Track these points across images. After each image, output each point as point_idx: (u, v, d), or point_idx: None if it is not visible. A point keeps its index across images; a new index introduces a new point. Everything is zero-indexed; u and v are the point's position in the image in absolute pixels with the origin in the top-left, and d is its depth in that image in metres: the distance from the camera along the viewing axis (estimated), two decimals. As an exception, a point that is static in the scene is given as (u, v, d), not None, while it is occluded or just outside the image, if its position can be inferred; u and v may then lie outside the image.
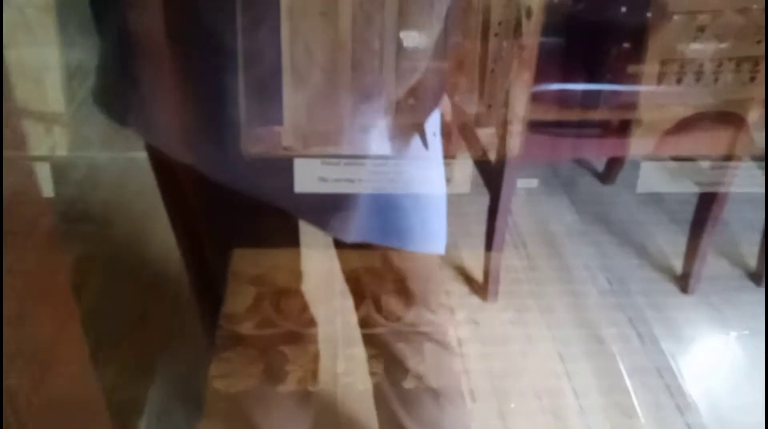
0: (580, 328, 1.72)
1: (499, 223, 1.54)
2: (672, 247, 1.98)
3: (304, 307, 0.91)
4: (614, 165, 2.25)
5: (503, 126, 0.76)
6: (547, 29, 1.32)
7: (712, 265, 1.89)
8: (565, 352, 1.65)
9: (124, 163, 2.17)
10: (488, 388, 1.55)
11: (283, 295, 0.87)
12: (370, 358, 0.96)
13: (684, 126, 1.47)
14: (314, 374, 0.95)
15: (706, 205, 1.74)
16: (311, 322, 0.92)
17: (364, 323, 0.92)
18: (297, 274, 0.88)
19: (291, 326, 0.87)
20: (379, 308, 0.90)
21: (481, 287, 1.80)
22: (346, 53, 0.73)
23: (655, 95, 1.36)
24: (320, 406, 1.37)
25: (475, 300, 1.79)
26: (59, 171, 0.78)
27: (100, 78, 0.85)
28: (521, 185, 1.32)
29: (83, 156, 2.20)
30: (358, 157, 0.77)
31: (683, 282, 1.86)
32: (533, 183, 1.14)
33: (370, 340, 0.94)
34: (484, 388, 1.54)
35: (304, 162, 0.77)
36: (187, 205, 0.88)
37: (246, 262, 0.82)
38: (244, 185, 0.79)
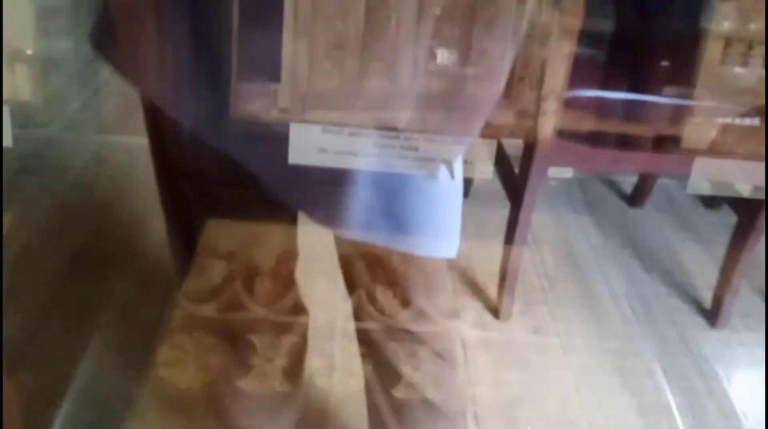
0: (599, 356, 1.58)
1: (522, 219, 1.40)
2: (702, 277, 1.85)
3: (291, 292, 0.78)
4: (644, 187, 2.12)
5: (536, 103, 0.64)
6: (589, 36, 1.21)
7: (745, 299, 1.76)
8: (582, 381, 1.52)
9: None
10: (495, 414, 1.42)
11: (261, 275, 0.74)
12: (362, 357, 0.84)
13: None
14: (291, 371, 0.82)
15: (744, 233, 1.61)
16: (298, 310, 0.79)
17: (356, 315, 0.79)
18: (287, 254, 0.76)
19: (264, 312, 0.74)
20: (372, 300, 0.78)
21: (495, 304, 1.68)
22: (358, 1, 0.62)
23: (702, 111, 1.23)
24: (312, 409, 1.25)
25: (487, 317, 1.66)
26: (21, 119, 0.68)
27: (97, 20, 0.77)
28: (553, 175, 1.20)
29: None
30: (365, 127, 0.66)
31: (713, 315, 1.72)
32: (567, 172, 1.02)
33: (361, 336, 0.82)
34: (490, 414, 1.42)
35: (301, 128, 0.66)
36: (173, 164, 0.77)
37: (220, 234, 0.70)
38: (231, 151, 0.68)
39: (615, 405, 1.47)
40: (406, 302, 0.78)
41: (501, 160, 1.67)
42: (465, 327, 1.46)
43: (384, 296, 0.77)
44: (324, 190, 0.69)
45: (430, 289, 0.83)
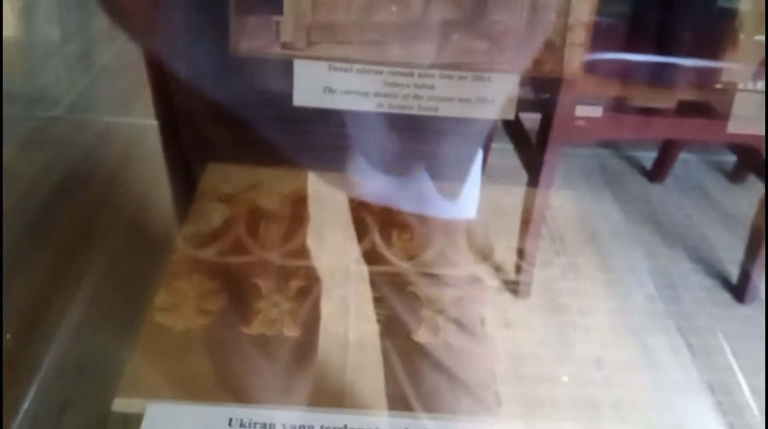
0: (623, 334, 1.52)
1: (542, 185, 1.33)
2: (728, 252, 1.78)
3: (299, 235, 0.72)
4: (665, 161, 2.05)
5: (562, 34, 0.59)
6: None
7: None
8: (605, 358, 1.46)
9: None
10: (515, 394, 1.36)
11: (267, 218, 0.69)
12: (376, 301, 0.78)
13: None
14: (301, 316, 0.76)
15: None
16: (307, 254, 0.74)
17: (367, 259, 0.74)
18: (294, 196, 0.70)
19: (272, 256, 0.69)
20: (388, 243, 0.72)
21: (513, 281, 1.62)
22: None
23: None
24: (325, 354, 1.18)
25: (506, 296, 1.60)
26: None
27: None
28: (581, 113, 1.13)
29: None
30: (377, 63, 0.60)
31: (740, 291, 1.66)
32: (597, 111, 0.96)
33: (374, 280, 0.76)
34: (510, 393, 1.36)
35: (306, 65, 0.60)
36: (173, 106, 0.71)
37: (221, 178, 0.65)
38: (232, 93, 0.62)
39: (639, 382, 1.41)
40: (422, 248, 0.72)
41: (518, 131, 1.62)
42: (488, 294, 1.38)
43: (400, 240, 0.71)
44: (330, 136, 0.64)
45: (447, 249, 0.77)
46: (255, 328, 0.72)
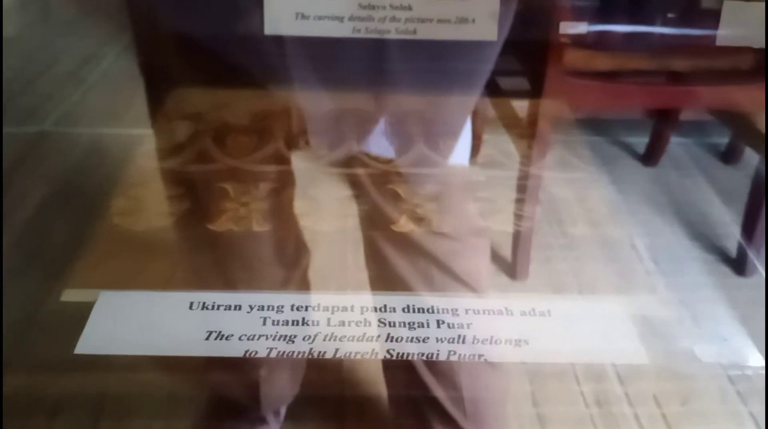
0: (624, 310, 1.50)
1: (536, 154, 1.32)
2: (725, 227, 1.77)
3: (270, 144, 0.69)
4: (657, 145, 2.04)
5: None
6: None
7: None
8: (608, 331, 1.43)
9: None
10: (519, 370, 1.34)
11: (235, 131, 0.66)
12: (354, 198, 0.75)
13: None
14: (273, 214, 0.72)
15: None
16: (279, 159, 0.70)
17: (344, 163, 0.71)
18: (269, 114, 0.68)
19: (241, 164, 0.66)
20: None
21: (510, 264, 1.60)
22: None
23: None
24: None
25: (503, 279, 1.58)
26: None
27: None
28: (566, 30, 1.11)
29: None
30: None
31: (739, 264, 1.64)
32: (582, 28, 0.94)
33: (352, 179, 0.73)
34: (514, 369, 1.33)
35: (277, -10, 0.59)
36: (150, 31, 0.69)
37: (188, 98, 0.63)
38: (200, 21, 0.61)
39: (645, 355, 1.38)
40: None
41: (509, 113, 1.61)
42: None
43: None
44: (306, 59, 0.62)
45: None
46: (221, 225, 0.69)
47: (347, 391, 1.25)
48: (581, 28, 0.94)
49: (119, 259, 0.80)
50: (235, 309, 0.59)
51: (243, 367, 0.92)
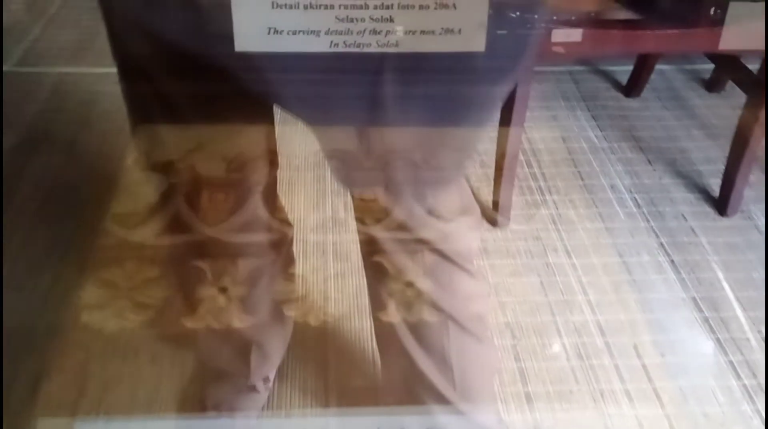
0: (606, 255, 1.50)
1: (519, 98, 1.26)
2: (708, 165, 1.75)
3: (247, 205, 0.65)
4: (640, 75, 1.99)
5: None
6: None
7: (758, 185, 1.67)
8: (590, 282, 1.43)
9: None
10: (501, 324, 1.34)
11: (211, 187, 0.62)
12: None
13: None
14: (253, 303, 0.69)
15: (754, 111, 1.50)
16: (257, 225, 0.67)
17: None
18: (241, 158, 0.63)
19: (214, 232, 0.61)
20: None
21: (490, 212, 1.58)
22: None
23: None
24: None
25: (484, 226, 1.57)
26: None
27: None
28: (558, 39, 1.07)
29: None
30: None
31: (722, 203, 1.63)
32: (576, 35, 0.90)
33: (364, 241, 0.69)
34: (496, 324, 1.34)
35: (245, 4, 0.54)
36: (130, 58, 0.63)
37: (156, 141, 0.58)
38: (171, 38, 0.56)
39: (625, 303, 1.39)
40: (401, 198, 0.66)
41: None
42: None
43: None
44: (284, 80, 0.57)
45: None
46: (198, 320, 0.64)
47: (331, 353, 1.25)
48: (575, 35, 0.89)
49: (95, 364, 0.74)
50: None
51: (233, 339, 0.90)
